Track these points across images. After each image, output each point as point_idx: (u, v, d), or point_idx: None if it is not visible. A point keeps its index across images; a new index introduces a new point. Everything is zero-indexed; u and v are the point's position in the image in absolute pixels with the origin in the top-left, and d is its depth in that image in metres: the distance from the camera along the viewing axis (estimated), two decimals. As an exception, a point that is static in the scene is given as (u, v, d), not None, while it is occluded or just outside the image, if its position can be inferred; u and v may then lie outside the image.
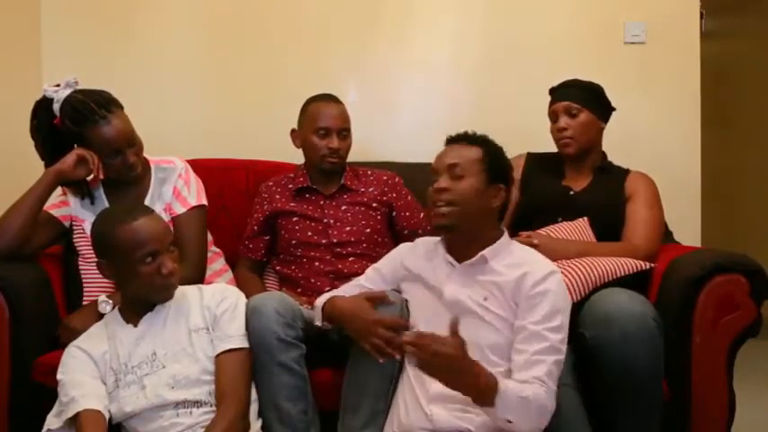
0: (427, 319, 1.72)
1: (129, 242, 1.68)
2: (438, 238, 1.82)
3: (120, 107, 2.07)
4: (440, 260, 1.78)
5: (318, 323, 1.86)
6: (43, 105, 2.06)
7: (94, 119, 2.00)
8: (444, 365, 1.47)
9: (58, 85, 2.05)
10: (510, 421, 1.52)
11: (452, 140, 1.79)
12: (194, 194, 2.17)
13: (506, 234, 1.78)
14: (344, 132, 2.29)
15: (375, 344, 1.70)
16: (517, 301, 1.65)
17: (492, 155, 1.75)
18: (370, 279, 1.91)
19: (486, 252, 1.71)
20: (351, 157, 2.38)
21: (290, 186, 2.34)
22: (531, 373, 1.56)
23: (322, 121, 2.27)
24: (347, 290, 1.91)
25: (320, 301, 1.89)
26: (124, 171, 2.07)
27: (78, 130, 2.01)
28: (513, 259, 1.71)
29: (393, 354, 1.69)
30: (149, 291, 1.74)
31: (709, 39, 3.26)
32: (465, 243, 1.74)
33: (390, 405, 1.75)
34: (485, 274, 1.70)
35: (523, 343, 1.60)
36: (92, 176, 2.06)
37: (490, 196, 1.73)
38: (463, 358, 1.47)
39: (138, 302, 1.78)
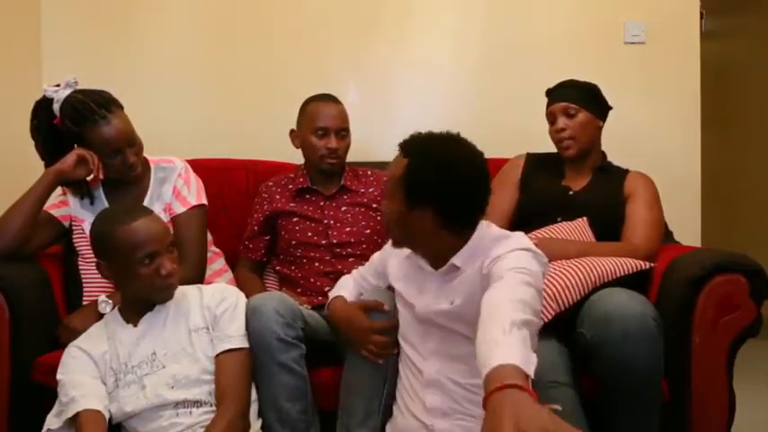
0: (408, 326, 1.71)
1: (128, 243, 1.68)
2: None
3: (120, 107, 2.07)
4: (417, 266, 1.69)
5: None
6: (43, 105, 2.06)
7: (94, 119, 2.00)
8: None
9: (58, 85, 2.05)
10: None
11: (399, 145, 1.62)
12: (194, 194, 2.17)
13: (481, 227, 1.60)
14: (343, 132, 2.29)
15: (370, 350, 1.73)
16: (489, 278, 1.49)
17: (418, 168, 1.53)
18: (369, 271, 1.91)
19: (455, 260, 1.59)
20: (351, 157, 2.38)
21: (290, 187, 2.34)
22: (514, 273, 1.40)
23: (320, 121, 2.27)
24: (349, 282, 1.94)
25: (330, 297, 1.92)
26: (124, 171, 2.07)
27: (78, 129, 2.01)
28: (485, 257, 1.54)
29: (386, 356, 1.73)
30: (149, 291, 1.74)
31: (710, 39, 3.26)
32: (429, 254, 1.65)
33: (386, 405, 1.75)
34: (455, 278, 1.61)
35: (494, 281, 1.43)
36: (92, 176, 2.06)
37: (415, 220, 1.55)
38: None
39: (138, 302, 1.78)
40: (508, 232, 1.62)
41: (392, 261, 1.79)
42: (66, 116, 2.02)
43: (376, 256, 1.91)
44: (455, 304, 1.59)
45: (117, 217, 1.72)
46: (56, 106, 2.03)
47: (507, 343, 1.20)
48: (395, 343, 1.73)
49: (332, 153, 2.27)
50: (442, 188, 1.53)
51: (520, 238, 1.58)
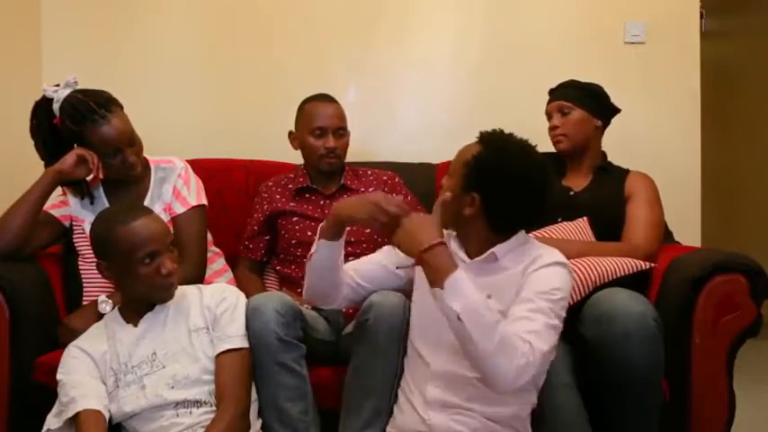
0: (427, 317, 1.66)
1: (128, 243, 1.68)
2: (449, 232, 1.74)
3: (120, 107, 2.07)
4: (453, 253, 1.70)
5: (313, 249, 1.72)
6: (43, 105, 2.06)
7: (94, 118, 2.00)
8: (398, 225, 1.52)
9: (58, 85, 2.05)
10: (460, 320, 1.41)
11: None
12: (194, 194, 2.17)
13: (523, 231, 1.68)
14: (341, 131, 2.29)
15: (389, 209, 1.60)
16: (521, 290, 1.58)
17: (485, 158, 1.61)
18: (387, 253, 1.81)
19: (496, 249, 1.63)
20: (351, 157, 2.38)
21: (290, 186, 2.34)
22: (518, 328, 1.47)
23: (317, 121, 2.26)
24: (361, 267, 1.81)
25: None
26: (124, 171, 2.07)
27: (78, 129, 2.01)
28: (524, 256, 1.63)
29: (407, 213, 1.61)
30: (149, 291, 1.74)
31: (709, 39, 3.26)
32: (469, 241, 1.68)
33: (390, 406, 1.74)
34: (494, 272, 1.62)
35: (515, 306, 1.53)
36: (91, 176, 2.06)
37: (464, 204, 1.62)
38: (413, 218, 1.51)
39: (138, 302, 1.78)
40: (544, 244, 1.69)
41: None
42: (65, 116, 2.02)
43: None
44: (492, 298, 1.56)
45: (117, 217, 1.72)
46: (56, 106, 2.03)
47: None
48: (404, 208, 1.62)
49: (330, 152, 2.27)
50: (494, 183, 1.60)
51: (557, 251, 1.65)
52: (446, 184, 1.68)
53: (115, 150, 2.03)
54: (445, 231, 1.74)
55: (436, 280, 1.46)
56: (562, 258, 1.62)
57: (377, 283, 1.80)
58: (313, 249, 1.72)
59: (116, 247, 1.69)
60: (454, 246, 1.70)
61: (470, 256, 1.67)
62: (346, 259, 2.19)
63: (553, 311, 1.53)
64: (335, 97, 2.36)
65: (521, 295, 1.55)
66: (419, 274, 1.71)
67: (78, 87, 2.06)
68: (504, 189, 1.60)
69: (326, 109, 2.29)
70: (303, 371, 1.81)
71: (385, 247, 1.84)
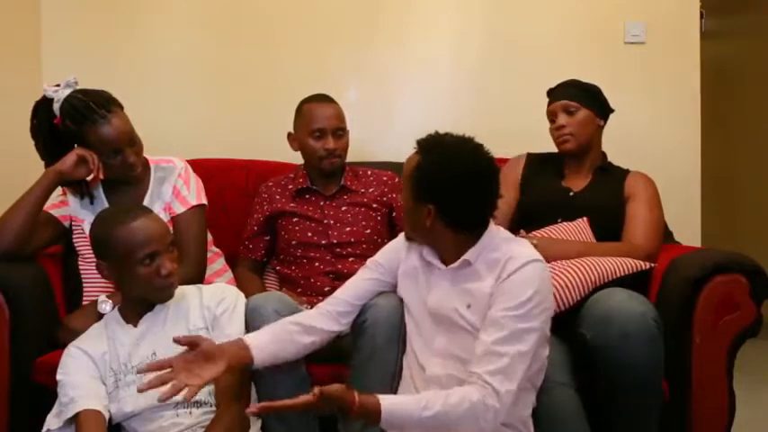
0: (415, 323, 1.72)
1: (128, 243, 1.68)
2: None
3: (120, 107, 2.07)
4: (427, 259, 1.71)
5: None
6: (43, 105, 2.06)
7: (94, 118, 2.00)
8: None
9: (58, 85, 2.05)
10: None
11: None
12: (194, 194, 2.17)
13: (491, 227, 1.65)
14: (340, 132, 2.28)
15: None
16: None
17: (426, 167, 1.59)
18: (371, 270, 1.82)
19: (467, 256, 1.62)
20: (350, 157, 2.38)
21: (290, 187, 2.34)
22: (483, 368, 1.48)
23: (316, 123, 2.26)
24: (350, 286, 1.84)
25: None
26: (124, 171, 2.07)
27: (78, 129, 2.01)
28: (495, 254, 1.61)
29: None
30: (149, 291, 1.74)
31: (709, 39, 3.26)
32: (441, 249, 1.67)
33: None
34: (469, 278, 1.63)
35: (483, 332, 1.53)
36: (91, 176, 2.06)
37: (422, 216, 1.61)
38: (322, 401, 1.41)
39: (138, 302, 1.78)
40: (510, 236, 1.69)
41: (409, 255, 1.76)
42: (66, 116, 2.01)
43: (380, 254, 1.84)
44: (472, 308, 1.60)
45: (117, 217, 1.72)
46: (56, 106, 2.03)
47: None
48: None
49: (331, 154, 2.26)
50: (443, 189, 1.59)
51: (526, 243, 1.65)
52: (402, 201, 1.69)
53: (115, 150, 2.03)
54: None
55: (376, 422, 1.46)
56: (533, 254, 1.59)
57: (371, 296, 1.80)
58: None
59: (115, 247, 1.69)
60: (428, 254, 1.70)
61: (446, 263, 1.67)
62: (346, 259, 2.21)
63: (525, 327, 1.51)
64: (336, 97, 2.36)
65: (491, 312, 1.54)
66: (401, 283, 1.76)
67: (78, 87, 2.06)
68: (453, 192, 1.58)
69: (325, 110, 2.28)
70: (303, 370, 1.81)
71: (368, 263, 1.84)
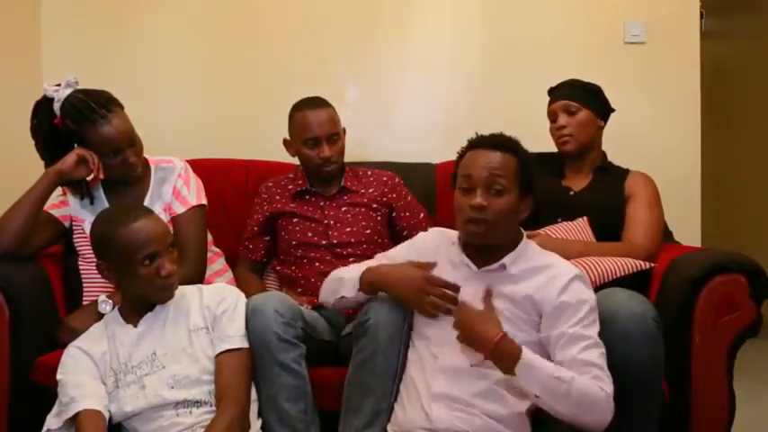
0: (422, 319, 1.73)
1: (128, 244, 1.67)
2: (455, 233, 1.77)
3: (121, 107, 2.07)
4: (456, 260, 1.74)
5: (349, 294, 1.83)
6: (44, 105, 2.06)
7: (94, 118, 2.00)
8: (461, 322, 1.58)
9: (59, 85, 2.05)
10: (537, 396, 1.53)
11: (487, 144, 1.71)
12: (194, 194, 2.17)
13: (525, 236, 1.75)
14: (335, 137, 2.25)
15: (431, 301, 1.67)
16: (541, 313, 1.64)
17: (525, 165, 1.69)
18: (391, 257, 1.87)
19: (506, 260, 1.68)
20: (350, 158, 2.38)
21: (290, 188, 2.34)
22: (584, 370, 1.56)
23: (309, 132, 2.23)
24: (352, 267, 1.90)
25: (355, 271, 1.84)
26: (124, 171, 2.07)
27: (78, 129, 2.01)
28: (532, 263, 1.69)
29: (449, 307, 1.66)
30: (149, 291, 1.74)
31: (709, 39, 3.26)
32: (486, 250, 1.71)
33: (391, 406, 1.74)
34: (502, 282, 1.67)
35: (565, 348, 1.59)
36: (92, 176, 2.06)
37: (522, 210, 1.71)
38: (469, 314, 1.58)
39: (138, 303, 1.78)
40: (541, 248, 1.77)
41: (439, 245, 1.80)
42: (66, 116, 2.01)
43: (403, 247, 1.90)
44: (503, 307, 1.64)
45: (117, 218, 1.71)
46: (56, 106, 2.03)
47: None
48: (453, 299, 1.68)
49: (326, 161, 2.25)
50: (533, 180, 1.72)
51: (563, 260, 1.74)
52: (497, 204, 1.65)
53: (115, 150, 2.03)
54: (445, 233, 1.81)
55: (507, 368, 1.55)
56: (574, 269, 1.69)
57: None
58: (349, 294, 1.83)
59: (116, 247, 1.68)
60: (456, 253, 1.74)
61: (478, 264, 1.71)
62: (347, 259, 2.21)
63: (596, 332, 1.63)
64: (335, 97, 2.36)
65: (566, 330, 1.60)
66: (447, 274, 1.74)
67: (79, 87, 2.06)
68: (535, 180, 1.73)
69: (317, 116, 2.24)
70: (303, 371, 1.81)
71: (400, 251, 1.89)
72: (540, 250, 1.75)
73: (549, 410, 1.55)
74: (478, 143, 1.71)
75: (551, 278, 1.65)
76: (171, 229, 2.08)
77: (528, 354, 1.54)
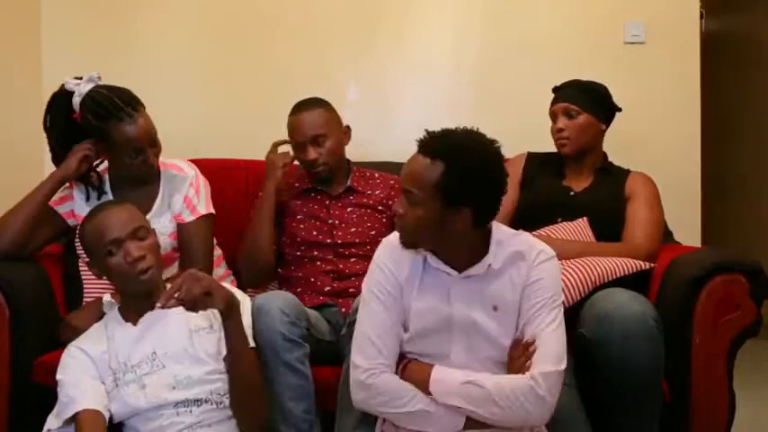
0: (424, 329, 1.59)
1: (93, 237, 1.69)
2: None
3: (143, 106, 2.05)
4: (432, 268, 1.59)
5: None
6: (61, 99, 2.03)
7: (120, 116, 1.98)
8: None
9: (80, 79, 2.02)
10: (460, 407, 1.50)
11: (420, 148, 1.55)
12: (203, 203, 2.15)
13: (493, 226, 1.58)
14: (321, 138, 2.23)
15: None
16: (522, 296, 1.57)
17: (457, 172, 1.48)
18: (389, 310, 1.60)
19: (490, 260, 1.55)
20: (350, 157, 2.39)
21: (297, 185, 2.35)
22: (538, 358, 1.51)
23: (293, 137, 2.26)
24: (384, 336, 1.60)
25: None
26: (144, 169, 2.06)
27: (101, 125, 1.98)
28: (509, 248, 1.57)
29: None
30: (127, 282, 1.72)
31: (710, 39, 3.26)
32: (457, 254, 1.57)
33: None
34: (489, 280, 1.56)
35: (529, 324, 1.54)
36: (103, 167, 2.04)
37: (452, 222, 1.50)
38: None
39: (137, 301, 1.77)
40: (509, 229, 1.63)
41: (401, 267, 1.61)
42: (88, 111, 1.98)
43: (383, 267, 1.63)
44: (499, 310, 1.56)
45: (89, 214, 1.73)
46: (76, 100, 2.00)
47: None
48: None
49: (312, 164, 2.24)
50: (479, 190, 1.50)
51: (529, 236, 1.65)
52: (418, 212, 1.51)
53: (137, 149, 2.01)
54: (414, 253, 1.60)
55: (423, 390, 1.53)
56: (549, 251, 1.60)
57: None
58: None
59: (86, 245, 1.71)
60: (434, 262, 1.58)
61: (458, 268, 1.57)
62: (348, 259, 2.20)
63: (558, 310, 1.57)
64: (335, 97, 2.36)
65: (530, 304, 1.55)
66: (427, 297, 1.60)
67: (101, 83, 2.03)
68: (488, 190, 1.52)
69: (298, 121, 2.24)
70: (307, 370, 1.82)
71: (377, 296, 1.61)
72: (509, 233, 1.60)
73: (485, 421, 1.49)
74: (418, 145, 1.57)
75: (523, 259, 1.56)
76: (174, 231, 2.07)
77: (435, 370, 1.52)
